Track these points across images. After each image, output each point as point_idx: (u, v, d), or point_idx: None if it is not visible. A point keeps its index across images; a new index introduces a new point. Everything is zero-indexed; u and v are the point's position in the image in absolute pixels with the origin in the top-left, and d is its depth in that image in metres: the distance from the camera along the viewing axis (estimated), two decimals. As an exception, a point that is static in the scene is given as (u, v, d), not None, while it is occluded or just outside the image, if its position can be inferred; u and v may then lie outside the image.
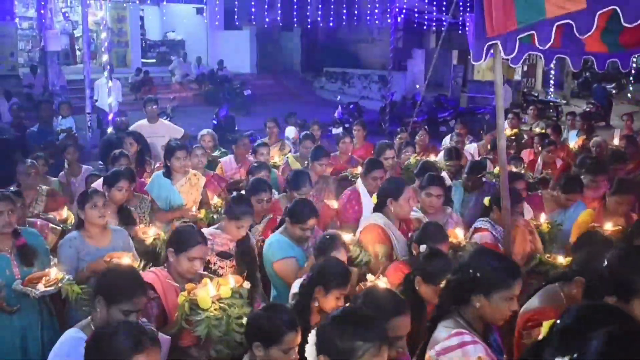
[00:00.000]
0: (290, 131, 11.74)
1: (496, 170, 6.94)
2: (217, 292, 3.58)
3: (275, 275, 4.64)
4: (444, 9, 21.05)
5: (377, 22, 23.35)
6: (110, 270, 3.40)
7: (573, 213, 5.87)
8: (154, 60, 25.88)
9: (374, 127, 16.74)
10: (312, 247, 4.56)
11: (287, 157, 8.14)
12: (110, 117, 12.56)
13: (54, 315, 4.69)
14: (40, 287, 4.12)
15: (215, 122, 15.39)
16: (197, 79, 22.95)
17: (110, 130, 12.01)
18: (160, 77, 22.64)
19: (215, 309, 3.47)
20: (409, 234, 4.81)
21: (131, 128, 8.95)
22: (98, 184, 5.98)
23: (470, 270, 2.94)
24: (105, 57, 14.34)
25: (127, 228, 5.18)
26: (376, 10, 22.98)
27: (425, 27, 23.54)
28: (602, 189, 6.26)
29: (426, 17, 21.32)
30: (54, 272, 4.22)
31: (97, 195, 4.77)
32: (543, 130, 10.68)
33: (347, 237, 4.56)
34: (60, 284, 4.14)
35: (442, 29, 22.64)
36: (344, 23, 24.11)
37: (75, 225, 5.04)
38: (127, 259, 4.43)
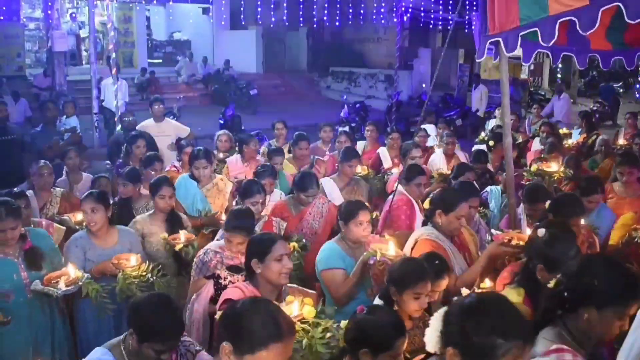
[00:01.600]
0: None
1: (533, 168, 6.89)
2: (300, 311, 3.38)
3: (323, 283, 4.43)
4: (450, 8, 20.98)
5: (383, 21, 23.28)
6: (149, 302, 3.08)
7: (597, 217, 5.44)
8: (160, 61, 25.91)
9: (379, 127, 16.73)
10: (373, 264, 4.17)
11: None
12: (117, 117, 12.64)
13: (65, 314, 4.67)
14: (62, 286, 4.08)
15: (222, 122, 15.43)
16: (204, 79, 22.99)
17: (118, 129, 12.09)
18: (166, 77, 22.75)
19: (297, 329, 3.15)
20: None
21: (137, 128, 8.95)
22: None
23: (587, 278, 2.51)
24: (112, 56, 14.46)
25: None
26: (382, 10, 22.91)
27: (431, 27, 23.49)
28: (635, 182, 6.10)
29: (432, 16, 21.26)
30: (73, 271, 4.22)
31: (87, 201, 4.73)
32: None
33: (391, 251, 4.14)
34: (80, 282, 4.15)
35: (449, 28, 22.72)
36: (349, 22, 24.05)
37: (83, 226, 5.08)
38: (133, 261, 4.45)
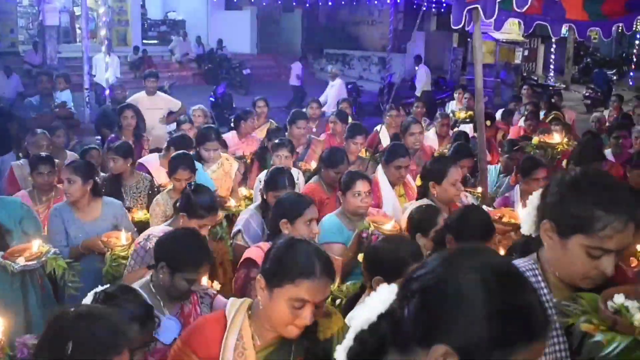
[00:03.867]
0: None
1: (535, 140, 6.60)
2: None
3: None
4: (444, -10, 20.89)
5: (376, 2, 23.20)
6: (175, 235, 3.17)
7: None
8: (157, 41, 25.74)
9: (372, 109, 16.88)
10: (366, 237, 4.01)
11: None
12: (107, 92, 12.58)
13: (48, 289, 4.17)
14: (21, 260, 3.69)
15: (212, 100, 15.40)
16: (197, 58, 22.91)
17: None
18: (160, 56, 22.62)
19: None
20: None
21: (129, 100, 8.86)
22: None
23: None
24: (103, 32, 14.38)
25: None
26: (376, -9, 22.87)
27: (424, 9, 23.39)
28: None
29: (426, -2, 21.17)
30: (37, 245, 3.84)
31: (65, 170, 4.55)
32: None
33: (387, 226, 3.98)
34: (44, 258, 3.76)
35: (442, 11, 22.66)
36: (343, 3, 24.00)
37: None
38: (124, 239, 4.17)
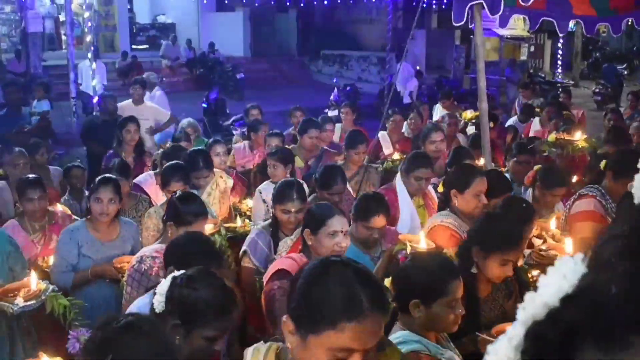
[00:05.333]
0: None
1: (551, 137, 6.38)
2: None
3: None
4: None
5: (374, 0, 22.79)
6: (186, 239, 3.10)
7: None
8: (147, 46, 25.40)
9: (372, 110, 16.37)
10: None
11: None
12: (95, 99, 12.18)
13: (32, 332, 3.78)
14: (20, 301, 3.33)
15: (205, 105, 14.86)
16: (188, 63, 22.43)
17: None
18: (149, 62, 22.04)
19: None
20: None
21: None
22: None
23: None
24: (89, 38, 13.98)
25: None
26: (374, -12, 22.44)
27: (425, 6, 22.88)
28: None
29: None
30: (35, 282, 3.49)
31: (106, 189, 4.24)
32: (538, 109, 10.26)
33: (423, 244, 3.70)
34: (43, 297, 3.41)
35: (443, 7, 22.10)
36: (339, 2, 23.64)
37: (85, 212, 4.58)
38: None
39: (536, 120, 9.32)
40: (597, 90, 19.45)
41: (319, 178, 4.83)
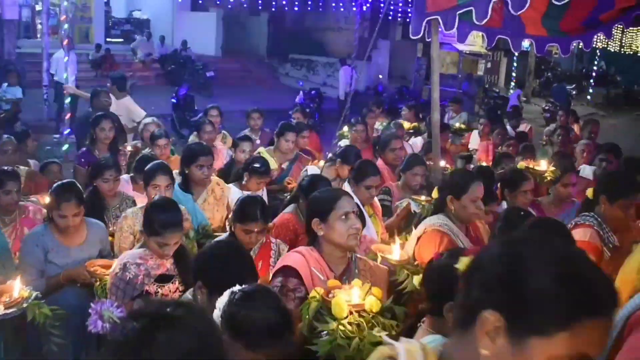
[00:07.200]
0: None
1: (520, 165, 5.94)
2: (362, 300, 2.75)
3: None
4: (410, 0, 21.09)
5: (342, 10, 23.29)
6: (214, 251, 2.84)
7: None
8: (122, 40, 25.42)
9: (335, 115, 16.87)
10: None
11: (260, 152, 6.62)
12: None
13: (17, 340, 3.72)
14: (0, 308, 3.17)
15: (174, 101, 15.19)
16: (160, 59, 22.69)
17: (67, 101, 11.81)
18: (122, 55, 22.32)
19: (349, 322, 2.62)
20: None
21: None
22: None
23: None
24: (64, 28, 14.09)
25: None
26: (342, -2, 22.96)
27: (390, 18, 23.57)
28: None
29: (392, 7, 21.32)
30: (18, 288, 3.28)
31: (70, 205, 3.91)
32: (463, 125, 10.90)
33: (396, 255, 3.52)
34: (25, 304, 3.22)
35: (408, 20, 22.80)
36: (309, 9, 23.99)
37: (46, 217, 4.24)
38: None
39: (475, 132, 9.96)
40: (547, 107, 20.29)
41: (307, 188, 4.43)
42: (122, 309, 1.96)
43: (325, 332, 2.60)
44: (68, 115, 11.56)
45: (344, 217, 3.04)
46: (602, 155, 6.31)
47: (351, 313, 2.65)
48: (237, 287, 2.33)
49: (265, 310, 2.25)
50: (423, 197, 4.63)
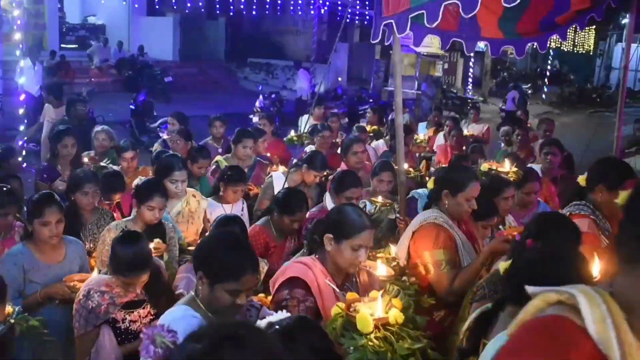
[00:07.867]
0: None
1: (484, 167, 5.64)
2: (385, 313, 2.73)
3: None
4: (367, 3, 21.27)
5: (300, 13, 23.38)
6: (216, 241, 2.81)
7: None
8: (76, 46, 24.97)
9: (295, 118, 16.90)
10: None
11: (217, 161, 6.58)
12: (22, 97, 12.09)
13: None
14: None
15: (133, 107, 14.93)
16: (117, 65, 22.40)
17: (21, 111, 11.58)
18: (78, 62, 21.98)
19: (376, 337, 2.59)
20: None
21: (44, 111, 8.53)
22: None
23: None
24: (18, 36, 13.79)
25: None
26: (300, 1, 22.99)
27: (348, 21, 23.76)
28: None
29: (349, 10, 21.49)
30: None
31: (53, 211, 3.81)
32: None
33: (382, 271, 3.41)
34: (12, 320, 3.13)
35: (365, 23, 23.01)
36: (267, 12, 24.04)
37: (24, 235, 4.08)
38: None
39: (440, 134, 9.93)
40: (503, 107, 20.72)
41: (282, 202, 4.52)
42: (174, 333, 1.84)
43: (354, 347, 2.56)
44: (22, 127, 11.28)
45: (356, 248, 3.04)
46: (546, 149, 6.54)
47: (377, 327, 2.63)
48: (276, 318, 2.16)
49: (307, 348, 2.08)
50: (380, 198, 4.65)
